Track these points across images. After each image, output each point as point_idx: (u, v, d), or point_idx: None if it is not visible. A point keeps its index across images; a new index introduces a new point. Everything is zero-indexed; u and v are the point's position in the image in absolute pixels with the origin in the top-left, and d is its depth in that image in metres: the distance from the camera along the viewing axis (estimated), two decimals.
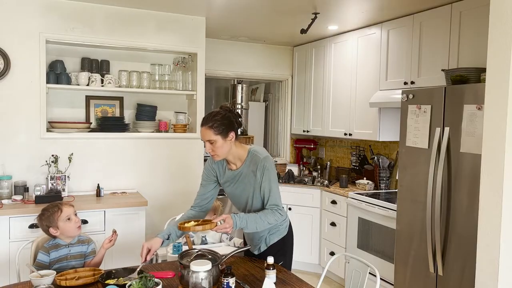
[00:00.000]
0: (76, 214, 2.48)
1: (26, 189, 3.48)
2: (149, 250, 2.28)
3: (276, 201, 2.36)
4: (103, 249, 2.46)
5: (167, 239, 2.38)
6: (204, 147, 2.34)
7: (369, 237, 3.84)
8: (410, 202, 3.19)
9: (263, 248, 2.52)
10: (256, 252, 2.54)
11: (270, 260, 2.15)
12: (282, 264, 2.45)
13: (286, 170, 4.90)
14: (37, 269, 2.26)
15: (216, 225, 2.17)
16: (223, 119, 2.30)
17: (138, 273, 2.07)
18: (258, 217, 2.30)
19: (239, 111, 5.56)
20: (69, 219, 2.41)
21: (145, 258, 2.26)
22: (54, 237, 2.44)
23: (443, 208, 2.91)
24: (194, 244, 2.61)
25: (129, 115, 4.11)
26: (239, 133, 2.38)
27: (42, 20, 3.58)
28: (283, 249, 2.53)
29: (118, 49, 3.96)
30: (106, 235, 3.38)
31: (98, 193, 3.69)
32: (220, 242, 2.82)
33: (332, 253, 4.37)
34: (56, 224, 2.40)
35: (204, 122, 2.30)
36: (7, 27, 3.48)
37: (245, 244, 2.66)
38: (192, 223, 2.24)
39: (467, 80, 2.95)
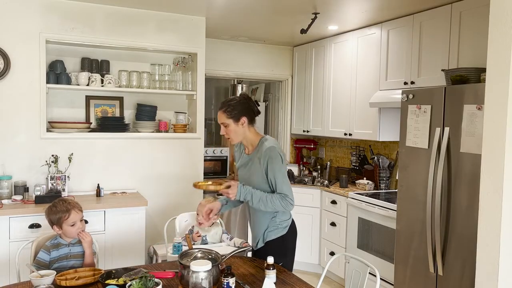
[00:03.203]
0: (82, 220, 2.50)
1: (26, 189, 3.48)
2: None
3: (283, 189, 2.44)
4: (87, 249, 2.47)
5: (226, 204, 2.60)
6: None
7: (369, 237, 3.84)
8: (410, 202, 3.19)
9: (260, 244, 2.55)
10: (255, 248, 2.58)
11: (270, 260, 2.16)
12: (283, 265, 2.45)
13: (286, 170, 4.90)
14: (37, 267, 2.26)
15: (223, 189, 2.40)
16: (237, 104, 2.46)
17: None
18: (265, 196, 2.40)
19: None
20: (73, 225, 2.43)
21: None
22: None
23: (443, 208, 2.91)
24: (194, 244, 2.61)
25: (129, 115, 4.11)
26: (255, 119, 2.53)
27: (42, 20, 3.57)
28: (283, 247, 2.53)
29: (118, 49, 3.96)
30: (106, 235, 3.39)
31: (98, 193, 3.69)
32: (220, 242, 2.82)
33: (332, 253, 4.37)
34: (60, 225, 2.44)
35: (220, 106, 2.49)
36: (7, 27, 3.47)
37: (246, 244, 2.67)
38: (206, 182, 2.52)
39: (467, 80, 2.95)
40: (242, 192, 2.39)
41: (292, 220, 2.62)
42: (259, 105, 2.63)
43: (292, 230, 2.59)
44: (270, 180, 2.45)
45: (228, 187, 2.38)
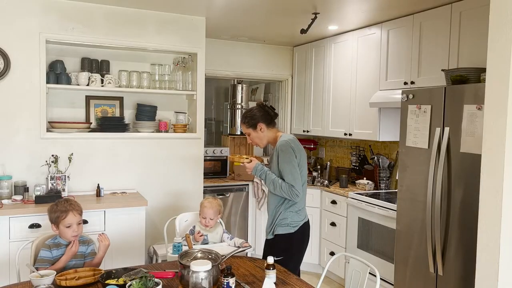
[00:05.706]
0: (79, 223, 2.48)
1: (26, 189, 3.48)
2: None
3: (289, 180, 2.64)
4: (101, 251, 2.47)
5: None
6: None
7: (369, 237, 3.84)
8: (410, 202, 3.19)
9: (270, 236, 2.75)
10: (267, 237, 2.82)
11: (270, 260, 2.16)
12: (283, 259, 2.50)
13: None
14: (37, 268, 2.26)
15: (244, 162, 2.76)
16: (253, 114, 2.78)
17: None
18: (276, 180, 2.67)
19: (238, 111, 5.56)
20: (69, 226, 2.43)
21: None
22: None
23: (443, 208, 2.91)
24: (195, 244, 2.62)
25: (129, 115, 4.11)
26: (274, 122, 2.83)
27: (42, 20, 3.57)
28: (289, 244, 2.68)
29: (118, 49, 3.95)
30: (106, 235, 3.38)
31: (98, 193, 3.69)
32: (221, 242, 2.82)
33: (332, 253, 4.37)
34: (57, 224, 2.44)
35: (241, 119, 2.89)
36: (7, 27, 3.47)
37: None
38: (238, 155, 2.85)
39: (467, 80, 2.95)
40: (258, 169, 2.72)
41: (305, 223, 2.78)
42: (274, 109, 2.86)
43: (302, 231, 2.73)
44: (280, 172, 2.67)
45: (250, 161, 2.75)
